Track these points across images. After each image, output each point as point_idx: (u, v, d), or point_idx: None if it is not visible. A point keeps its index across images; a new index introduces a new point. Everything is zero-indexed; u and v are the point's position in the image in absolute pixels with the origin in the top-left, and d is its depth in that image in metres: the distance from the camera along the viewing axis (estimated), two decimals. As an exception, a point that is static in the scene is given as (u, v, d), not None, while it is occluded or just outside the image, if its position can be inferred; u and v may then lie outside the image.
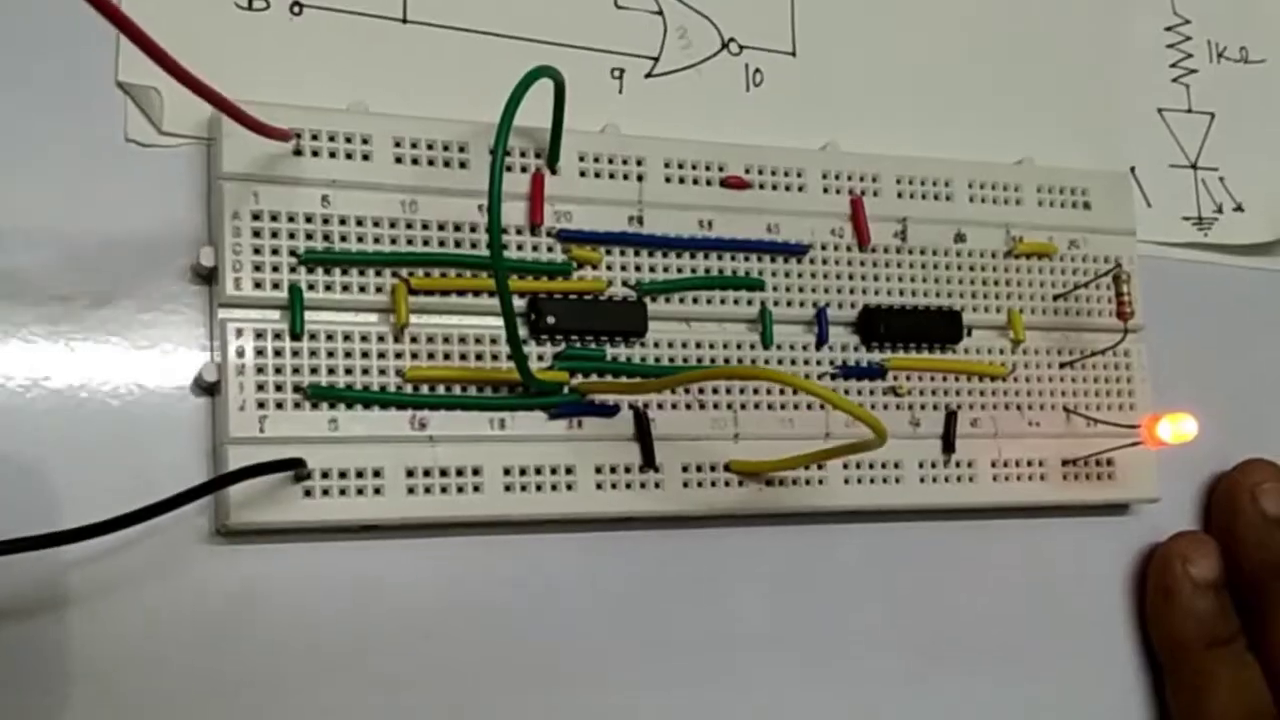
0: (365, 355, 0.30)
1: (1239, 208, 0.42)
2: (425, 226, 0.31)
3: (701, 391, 0.33)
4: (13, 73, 0.29)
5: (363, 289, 0.30)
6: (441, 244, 0.31)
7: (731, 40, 0.36)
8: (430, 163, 0.31)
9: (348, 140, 0.30)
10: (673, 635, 0.33)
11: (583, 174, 0.32)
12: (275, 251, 0.29)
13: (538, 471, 0.31)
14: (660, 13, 0.35)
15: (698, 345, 0.33)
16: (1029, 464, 0.36)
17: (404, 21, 0.33)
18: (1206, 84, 0.43)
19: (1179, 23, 0.43)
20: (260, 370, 0.29)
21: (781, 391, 0.33)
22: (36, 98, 0.29)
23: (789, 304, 0.34)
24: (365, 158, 0.30)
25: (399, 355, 0.30)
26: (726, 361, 0.33)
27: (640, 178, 0.33)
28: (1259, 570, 0.38)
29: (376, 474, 0.29)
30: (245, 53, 0.31)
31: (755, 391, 0.33)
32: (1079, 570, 0.38)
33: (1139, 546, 0.39)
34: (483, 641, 0.31)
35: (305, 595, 0.30)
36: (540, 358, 0.31)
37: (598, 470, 0.31)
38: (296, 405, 0.29)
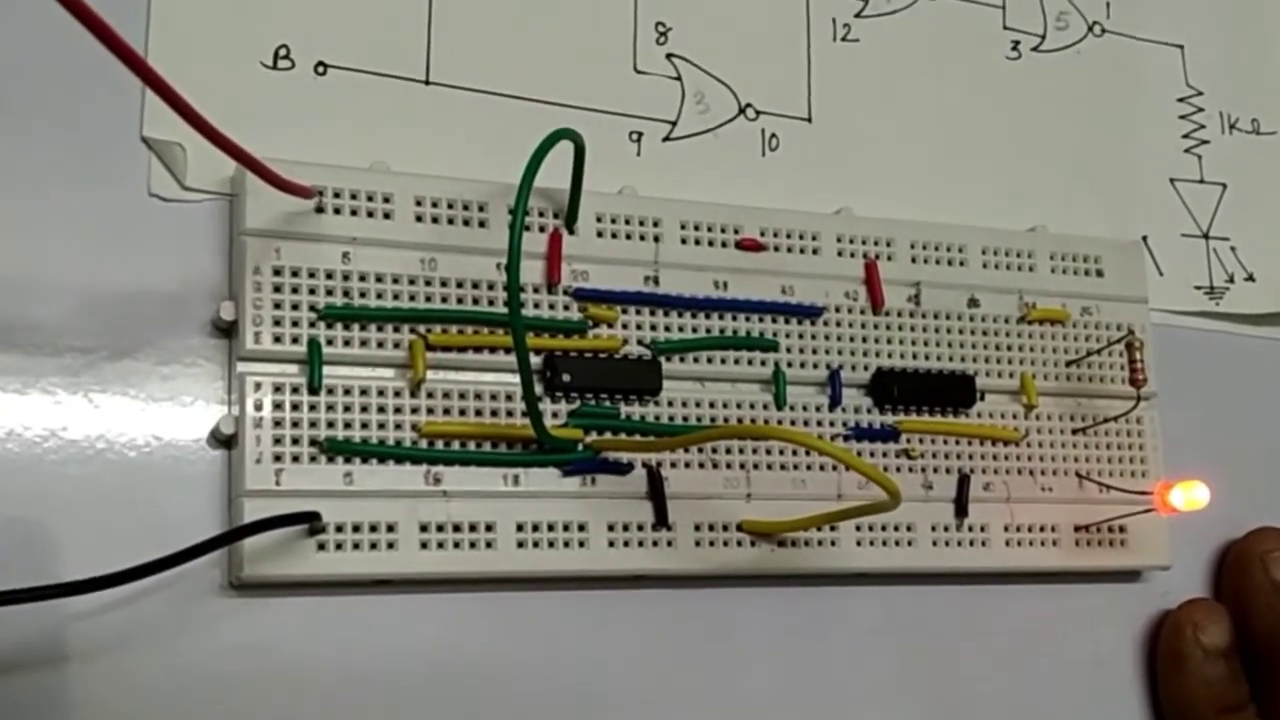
0: (382, 410, 0.30)
1: (1250, 278, 0.43)
2: (444, 284, 0.31)
3: (714, 451, 0.33)
4: (39, 127, 0.29)
5: (381, 344, 0.30)
6: (460, 301, 0.31)
7: (748, 106, 0.37)
8: (450, 221, 0.31)
9: (369, 198, 0.30)
10: (683, 695, 0.33)
11: (600, 234, 0.33)
12: (295, 306, 0.30)
13: (550, 528, 0.31)
14: (679, 78, 0.36)
15: (711, 405, 0.33)
16: (1041, 529, 0.36)
17: (426, 83, 0.33)
18: (1218, 155, 0.43)
19: (1191, 94, 0.43)
20: (278, 424, 0.29)
21: (794, 452, 0.34)
22: (62, 151, 0.30)
23: (803, 365, 0.34)
24: (386, 216, 0.31)
25: (415, 410, 0.30)
26: (740, 421, 0.33)
27: (657, 238, 0.33)
28: (1269, 638, 0.38)
29: (390, 528, 0.29)
30: (270, 111, 0.31)
31: (768, 452, 0.33)
32: (1091, 636, 0.38)
33: (1150, 613, 0.39)
34: (493, 698, 0.31)
35: (318, 649, 0.30)
36: (555, 415, 0.32)
37: (610, 528, 0.32)
38: (313, 459, 0.29)
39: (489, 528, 0.30)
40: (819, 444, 0.30)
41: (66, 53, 0.29)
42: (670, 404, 0.33)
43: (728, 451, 0.33)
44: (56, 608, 0.27)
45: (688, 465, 0.33)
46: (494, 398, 0.31)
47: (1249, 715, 0.37)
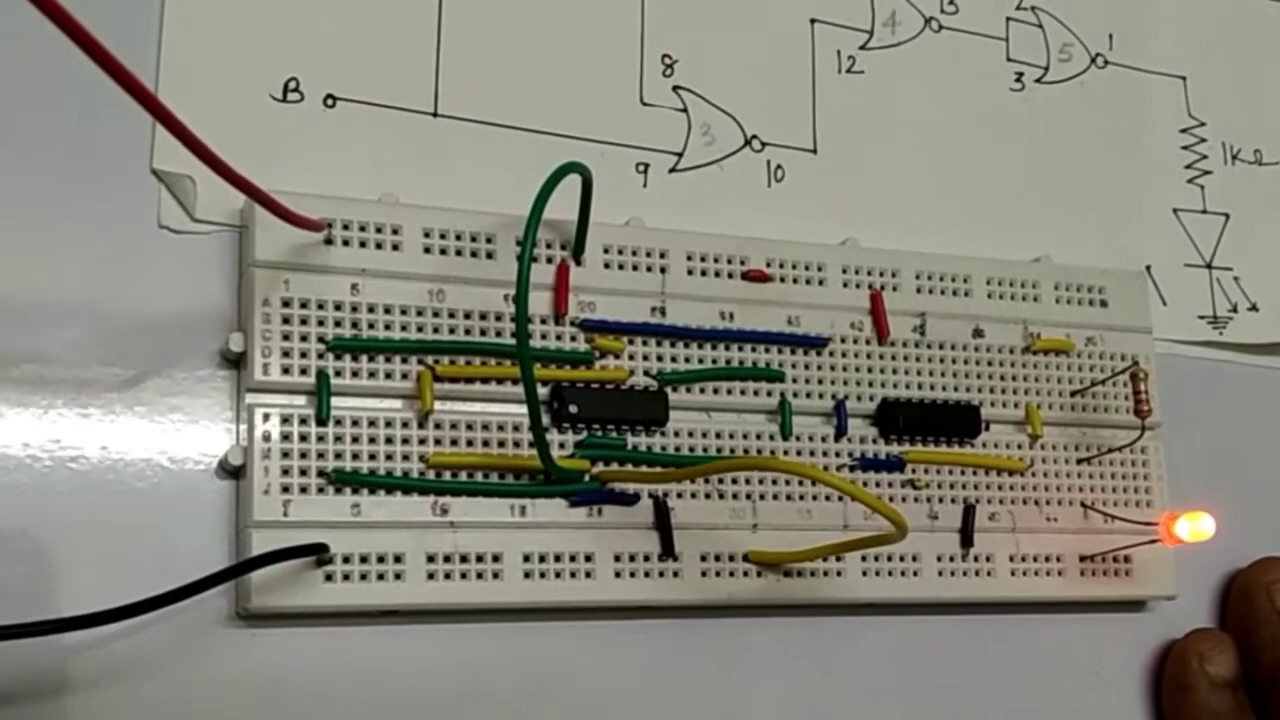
0: (389, 441, 0.30)
1: (1253, 307, 0.43)
2: (452, 315, 0.31)
3: (721, 481, 0.33)
4: (50, 158, 0.30)
5: (389, 375, 0.30)
6: (468, 332, 0.31)
7: (754, 137, 0.37)
8: (458, 253, 0.31)
9: (378, 230, 0.31)
10: (690, 726, 0.33)
11: (607, 265, 0.33)
12: (304, 338, 0.30)
13: (557, 559, 0.31)
14: (685, 110, 0.36)
15: (718, 435, 0.33)
16: (1047, 559, 0.36)
17: (435, 115, 0.33)
18: (1221, 185, 0.43)
19: (1194, 125, 0.43)
20: (285, 455, 0.29)
21: (800, 483, 0.34)
22: (73, 183, 0.30)
23: (808, 395, 0.34)
24: (395, 247, 0.31)
25: (423, 441, 0.30)
26: (746, 452, 0.33)
27: (663, 269, 0.33)
28: (1276, 668, 0.38)
29: (397, 559, 0.30)
30: (279, 143, 0.32)
31: (774, 482, 0.33)
32: (1096, 666, 0.38)
33: (1156, 643, 0.39)
34: (500, 729, 0.31)
35: (324, 680, 0.30)
36: (562, 445, 0.32)
37: (617, 559, 0.32)
38: (320, 490, 0.29)
39: (496, 558, 0.30)
40: (825, 476, 0.30)
41: (78, 85, 0.29)
42: (677, 434, 0.33)
43: (734, 482, 0.33)
44: (62, 638, 0.27)
45: (694, 496, 0.33)
46: (501, 428, 0.31)
47: (1255, 746, 0.37)
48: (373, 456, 0.30)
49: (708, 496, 0.33)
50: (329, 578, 0.29)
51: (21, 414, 0.28)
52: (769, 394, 0.34)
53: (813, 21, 0.38)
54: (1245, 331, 0.42)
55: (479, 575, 0.30)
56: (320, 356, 0.30)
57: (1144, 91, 0.43)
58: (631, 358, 0.33)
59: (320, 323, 0.30)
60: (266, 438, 0.29)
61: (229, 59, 0.31)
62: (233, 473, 0.30)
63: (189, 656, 0.29)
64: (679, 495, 0.32)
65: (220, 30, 0.31)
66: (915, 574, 0.35)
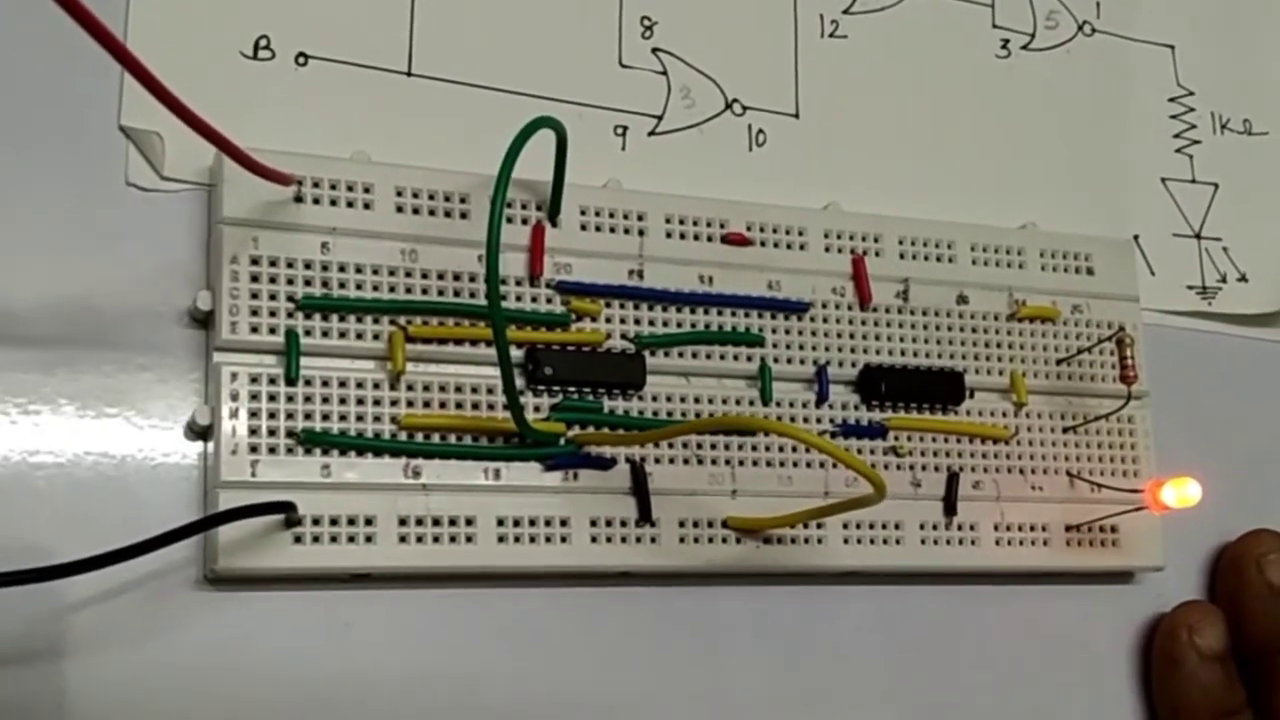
0: (360, 402, 0.30)
1: (1243, 278, 0.42)
2: (425, 275, 0.31)
3: (699, 446, 0.32)
4: (15, 114, 0.29)
5: (360, 335, 0.30)
6: (440, 293, 0.31)
7: (735, 101, 0.36)
8: (431, 212, 0.31)
9: (349, 188, 0.30)
10: (667, 693, 0.33)
11: (584, 227, 0.32)
12: (273, 296, 0.29)
13: (532, 523, 0.30)
14: (664, 73, 0.36)
15: (696, 400, 0.33)
16: (1032, 528, 0.36)
17: (408, 74, 0.33)
18: (1210, 154, 0.43)
19: (1183, 93, 0.43)
20: (254, 415, 0.29)
21: (780, 448, 0.33)
22: (38, 140, 0.29)
23: (789, 361, 0.34)
24: (366, 206, 0.30)
25: (394, 403, 0.30)
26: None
27: (641, 232, 0.33)
28: (1265, 641, 0.37)
29: (368, 522, 0.29)
30: (250, 101, 0.31)
31: (754, 448, 0.33)
32: (1083, 638, 0.37)
33: (1144, 615, 0.38)
34: (473, 696, 0.31)
35: (292, 643, 0.29)
36: (537, 408, 0.31)
37: (593, 524, 0.31)
38: (289, 450, 0.29)
39: (469, 522, 0.30)
40: (801, 434, 0.30)
41: (44, 40, 0.29)
42: (654, 399, 0.32)
43: (712, 447, 0.33)
44: (26, 601, 0.26)
45: (672, 461, 0.32)
46: (475, 390, 0.31)
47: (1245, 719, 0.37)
48: (343, 417, 0.29)
49: (686, 462, 0.32)
50: (298, 539, 0.28)
51: (-15, 373, 0.28)
52: (749, 359, 0.34)
53: (795, -15, 0.38)
54: (1234, 302, 0.42)
55: (452, 539, 0.30)
56: (290, 315, 0.29)
57: (1132, 60, 0.42)
58: (608, 320, 0.32)
59: (290, 281, 0.29)
60: (234, 397, 0.29)
61: (199, 15, 0.31)
62: (200, 433, 0.29)
63: (156, 619, 0.28)
64: (656, 460, 0.32)
65: (190, -14, 0.31)
66: (898, 542, 0.34)
